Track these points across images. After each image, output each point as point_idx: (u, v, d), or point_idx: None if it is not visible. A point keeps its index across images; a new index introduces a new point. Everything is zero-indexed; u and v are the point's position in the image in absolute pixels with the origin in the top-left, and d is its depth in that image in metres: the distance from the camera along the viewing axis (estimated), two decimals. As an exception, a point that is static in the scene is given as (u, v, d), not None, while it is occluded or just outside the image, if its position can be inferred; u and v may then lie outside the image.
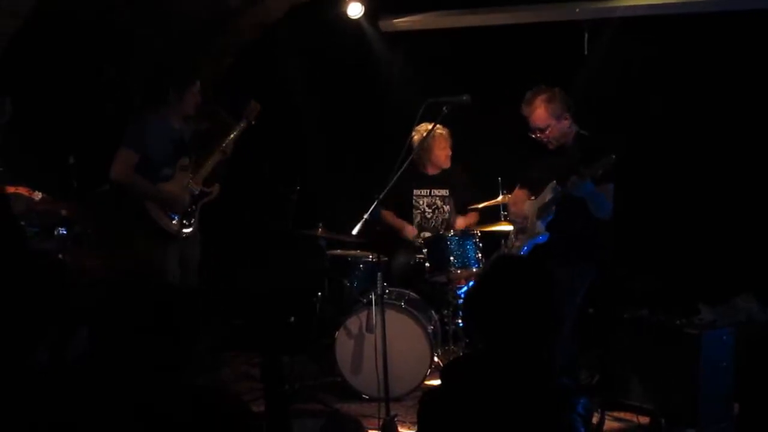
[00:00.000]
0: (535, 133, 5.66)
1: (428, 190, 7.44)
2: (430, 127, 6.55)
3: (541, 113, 5.59)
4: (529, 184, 5.93)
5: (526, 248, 5.66)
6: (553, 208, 5.54)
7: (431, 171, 7.42)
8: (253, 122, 6.49)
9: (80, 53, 7.35)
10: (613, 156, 5.12)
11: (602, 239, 5.52)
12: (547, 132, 5.61)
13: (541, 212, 5.62)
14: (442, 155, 7.31)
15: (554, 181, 5.58)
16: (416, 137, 6.75)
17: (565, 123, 5.61)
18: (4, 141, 5.41)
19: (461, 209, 7.43)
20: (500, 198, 6.73)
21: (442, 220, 7.41)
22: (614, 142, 5.46)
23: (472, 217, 7.39)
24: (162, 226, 6.12)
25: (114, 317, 2.58)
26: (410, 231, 7.32)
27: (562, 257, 5.34)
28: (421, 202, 7.42)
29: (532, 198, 5.83)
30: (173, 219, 6.18)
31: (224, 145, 6.39)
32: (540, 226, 5.62)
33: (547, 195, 5.63)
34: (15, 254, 3.55)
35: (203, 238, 6.55)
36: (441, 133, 7.20)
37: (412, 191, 7.41)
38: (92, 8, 7.15)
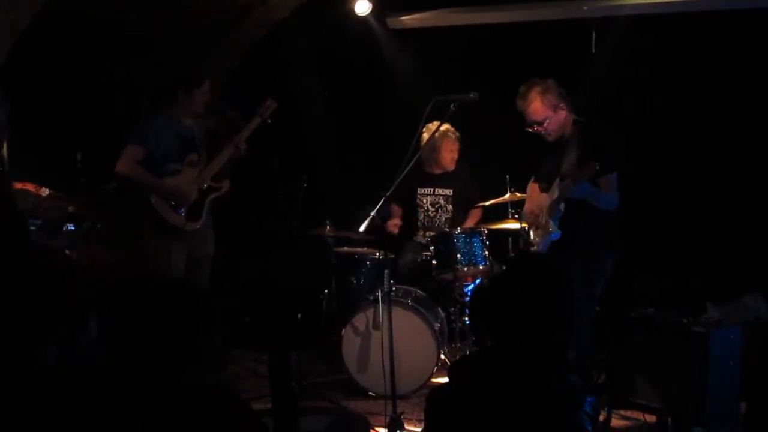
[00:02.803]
0: (532, 127, 5.65)
1: (432, 189, 7.46)
2: (441, 127, 6.58)
3: (537, 106, 5.58)
4: (540, 178, 5.94)
5: (542, 246, 5.68)
6: (561, 206, 5.54)
7: (435, 171, 7.43)
8: (268, 120, 6.53)
9: (89, 51, 7.36)
10: (597, 165, 5.13)
11: (610, 230, 5.51)
12: (545, 124, 5.60)
13: (551, 210, 5.62)
14: (447, 157, 7.33)
15: (558, 178, 5.58)
16: (426, 135, 6.74)
17: (562, 113, 5.60)
18: (12, 137, 5.42)
19: (466, 208, 7.44)
20: (507, 196, 6.72)
21: (446, 218, 7.42)
22: (614, 130, 5.47)
23: (476, 215, 7.40)
24: (168, 220, 6.17)
25: (118, 314, 2.58)
26: (392, 224, 7.34)
27: (573, 253, 5.35)
28: (424, 201, 7.43)
29: (543, 193, 5.84)
30: (179, 213, 6.22)
31: (236, 141, 6.42)
32: (552, 224, 5.62)
33: (555, 192, 5.63)
34: (20, 250, 3.55)
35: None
36: (450, 135, 7.21)
37: (416, 189, 7.41)
38: (101, 6, 7.16)
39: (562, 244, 5.56)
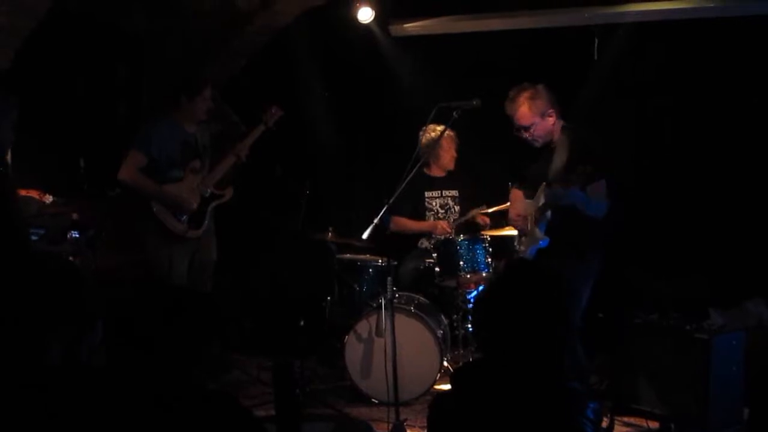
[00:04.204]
0: (519, 132, 5.64)
1: (439, 192, 7.46)
2: (438, 128, 6.62)
3: (524, 111, 5.56)
4: (523, 184, 5.94)
5: (530, 253, 5.67)
6: (549, 213, 5.55)
7: (437, 173, 7.43)
8: (273, 127, 6.54)
9: (92, 56, 7.39)
10: (590, 168, 5.11)
11: (598, 235, 5.46)
12: (531, 130, 5.58)
13: (538, 217, 5.62)
14: (447, 156, 7.33)
15: (544, 184, 5.57)
16: (424, 137, 6.78)
17: (550, 120, 5.57)
18: (15, 143, 5.44)
19: (467, 210, 7.43)
20: (510, 203, 6.72)
21: (453, 219, 7.41)
22: (601, 136, 5.47)
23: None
24: (168, 227, 6.18)
25: (121, 319, 2.59)
26: (443, 226, 7.29)
27: (559, 261, 5.33)
28: (434, 203, 7.43)
29: (527, 199, 5.85)
30: (180, 220, 6.24)
31: (238, 148, 6.44)
32: (539, 231, 5.62)
33: (541, 198, 5.63)
34: (21, 255, 3.56)
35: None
36: (449, 134, 7.20)
37: (424, 194, 7.41)
38: (105, 11, 7.18)
39: (548, 251, 5.55)
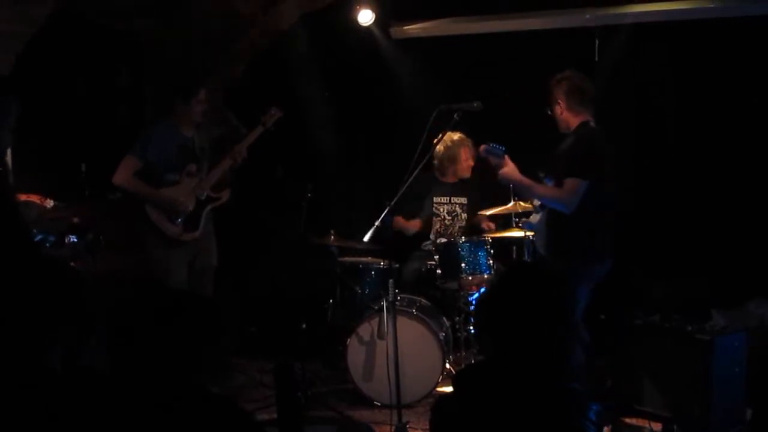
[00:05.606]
0: None
1: (448, 198, 7.46)
2: (455, 136, 6.60)
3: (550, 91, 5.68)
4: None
5: (528, 227, 5.88)
6: (537, 203, 5.70)
7: (450, 179, 7.43)
8: (272, 128, 6.53)
9: (94, 60, 7.39)
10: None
11: (576, 239, 5.45)
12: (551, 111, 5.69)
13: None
14: (465, 165, 7.32)
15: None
16: (441, 146, 6.75)
17: (557, 110, 5.63)
18: (15, 146, 5.44)
19: (474, 218, 7.44)
20: (511, 205, 6.71)
21: (459, 227, 7.41)
22: (605, 142, 5.48)
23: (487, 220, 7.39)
24: (162, 230, 6.19)
25: (122, 323, 2.59)
26: (413, 225, 7.37)
27: (559, 259, 5.36)
28: (441, 210, 7.43)
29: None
30: (176, 223, 6.24)
31: (235, 151, 6.43)
32: (535, 213, 5.78)
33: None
34: (26, 260, 3.56)
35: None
36: (467, 143, 7.20)
37: (433, 198, 7.42)
38: (107, 15, 7.18)
39: (549, 249, 5.60)
